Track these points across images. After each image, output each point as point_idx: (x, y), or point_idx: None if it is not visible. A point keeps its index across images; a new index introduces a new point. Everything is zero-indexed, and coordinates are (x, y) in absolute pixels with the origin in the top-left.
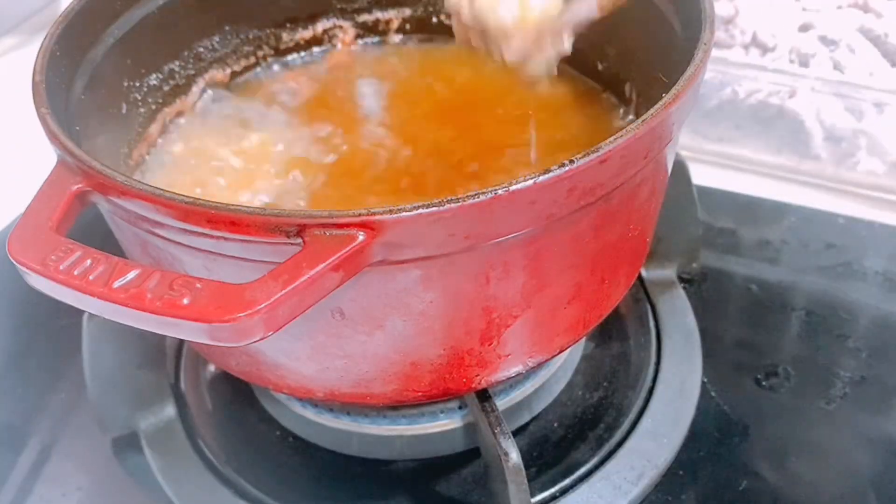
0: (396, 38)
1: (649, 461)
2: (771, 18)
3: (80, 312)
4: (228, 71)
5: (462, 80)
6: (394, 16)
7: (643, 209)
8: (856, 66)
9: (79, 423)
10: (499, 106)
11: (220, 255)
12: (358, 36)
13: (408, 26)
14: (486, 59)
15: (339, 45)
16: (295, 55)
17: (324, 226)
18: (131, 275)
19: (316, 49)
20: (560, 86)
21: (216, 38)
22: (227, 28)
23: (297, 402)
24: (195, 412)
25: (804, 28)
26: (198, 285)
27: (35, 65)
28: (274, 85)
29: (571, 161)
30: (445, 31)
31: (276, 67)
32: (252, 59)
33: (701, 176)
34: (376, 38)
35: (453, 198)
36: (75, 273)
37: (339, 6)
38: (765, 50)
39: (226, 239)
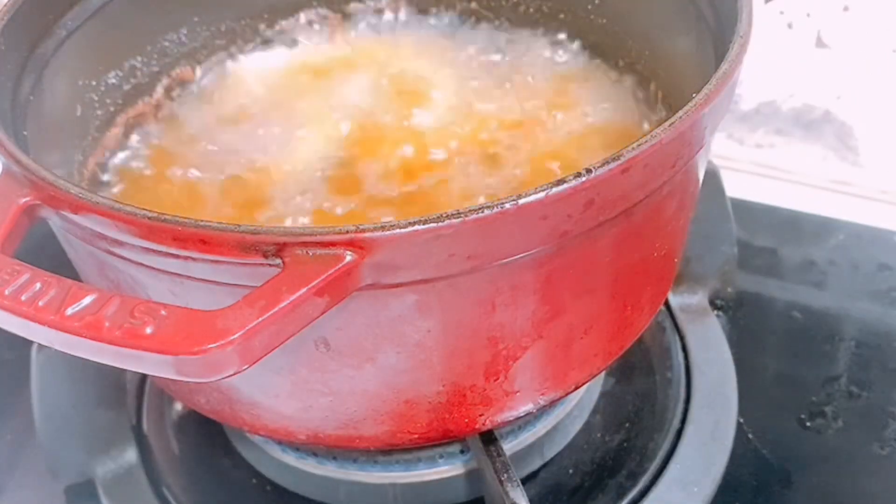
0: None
1: None
2: None
3: (28, 343)
4: (198, 68)
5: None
6: (385, 4)
7: (670, 225)
8: None
9: (27, 470)
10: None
11: (189, 277)
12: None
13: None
14: None
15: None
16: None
17: (306, 244)
18: (87, 300)
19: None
20: (576, 83)
21: (184, 31)
22: (195, 19)
23: (275, 445)
24: (160, 457)
25: None
26: (163, 312)
27: None
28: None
29: (588, 170)
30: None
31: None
32: (224, 55)
33: (736, 187)
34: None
35: (454, 212)
36: (23, 298)
37: None
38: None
39: (194, 259)
